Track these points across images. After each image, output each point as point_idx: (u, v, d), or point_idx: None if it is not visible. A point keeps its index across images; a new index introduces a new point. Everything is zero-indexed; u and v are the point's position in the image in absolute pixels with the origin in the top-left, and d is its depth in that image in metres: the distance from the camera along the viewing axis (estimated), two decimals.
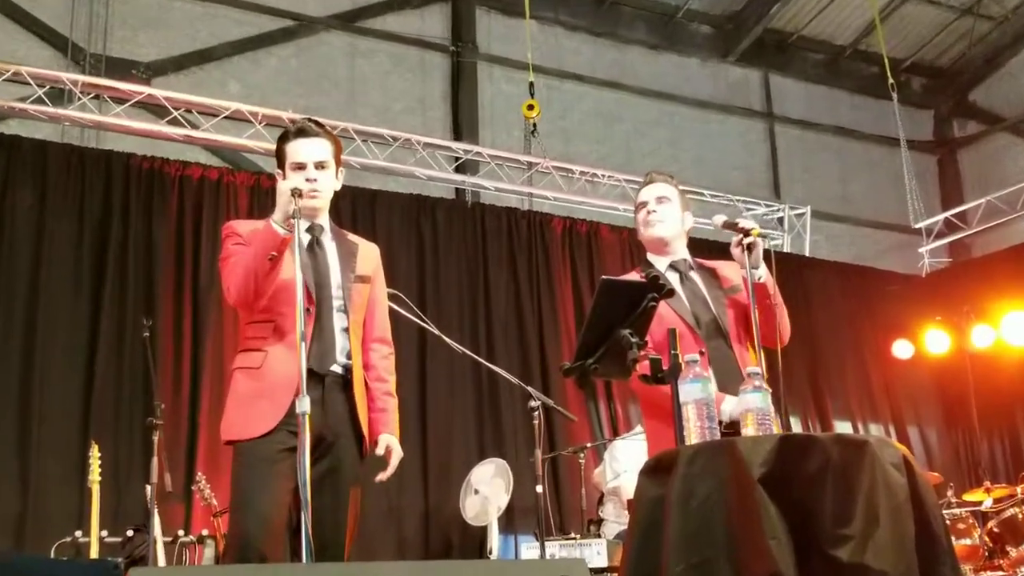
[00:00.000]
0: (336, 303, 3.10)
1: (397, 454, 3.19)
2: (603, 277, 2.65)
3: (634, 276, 3.31)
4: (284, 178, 3.16)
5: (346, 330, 3.11)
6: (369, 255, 3.31)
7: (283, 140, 3.18)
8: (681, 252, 3.44)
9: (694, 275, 3.38)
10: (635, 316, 2.60)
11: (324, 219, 3.24)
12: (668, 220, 3.40)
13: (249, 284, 2.98)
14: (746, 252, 3.12)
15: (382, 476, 3.18)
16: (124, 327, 6.15)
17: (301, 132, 3.17)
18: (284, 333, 3.01)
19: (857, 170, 10.52)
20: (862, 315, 9.26)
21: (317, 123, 3.22)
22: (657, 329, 2.89)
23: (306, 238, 3.17)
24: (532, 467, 4.16)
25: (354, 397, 3.09)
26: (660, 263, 3.40)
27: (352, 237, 3.32)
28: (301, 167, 3.13)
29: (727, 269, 3.43)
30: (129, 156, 6.61)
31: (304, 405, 2.65)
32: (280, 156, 3.18)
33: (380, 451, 3.16)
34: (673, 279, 3.33)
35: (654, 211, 3.39)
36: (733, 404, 2.97)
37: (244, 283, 2.98)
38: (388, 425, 3.21)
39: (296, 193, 2.91)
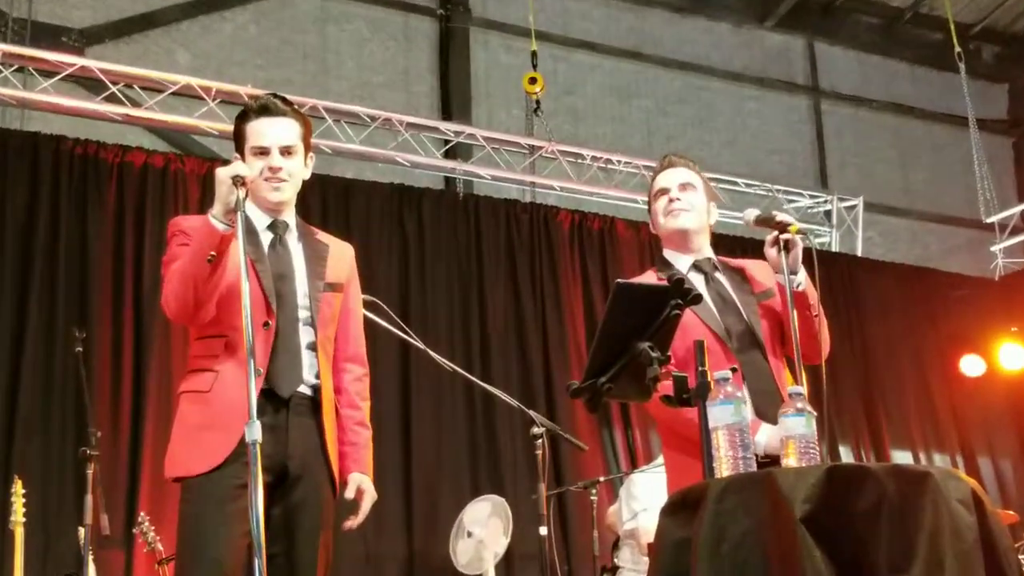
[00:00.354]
0: (302, 314, 3.10)
1: (370, 497, 3.20)
2: (617, 281, 2.65)
3: (650, 278, 3.32)
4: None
5: (314, 346, 3.12)
6: (342, 258, 3.31)
7: (242, 119, 3.18)
8: (706, 250, 3.45)
9: (720, 277, 3.39)
10: (656, 327, 2.60)
11: (290, 214, 3.25)
12: (694, 210, 3.41)
13: (187, 293, 2.95)
14: (783, 253, 3.13)
15: (351, 523, 3.18)
16: (53, 341, 6.14)
17: (264, 110, 3.17)
18: (237, 350, 3.00)
19: (918, 155, 10.53)
20: (924, 325, 9.26)
21: (283, 100, 3.23)
22: (680, 342, 2.89)
23: (267, 237, 3.18)
24: (535, 505, 4.16)
25: (324, 424, 3.09)
26: (681, 262, 3.40)
27: (322, 236, 3.33)
28: (264, 152, 3.13)
29: (757, 270, 3.44)
30: (59, 139, 6.62)
31: (254, 433, 2.61)
32: (238, 138, 3.18)
33: (350, 494, 3.16)
34: (697, 281, 3.32)
35: (678, 199, 3.40)
36: (770, 434, 2.98)
37: (182, 291, 2.95)
38: (360, 462, 3.21)
39: (239, 181, 2.84)
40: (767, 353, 3.25)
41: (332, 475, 3.10)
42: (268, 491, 2.93)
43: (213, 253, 2.91)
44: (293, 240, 3.21)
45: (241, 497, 2.88)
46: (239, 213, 2.81)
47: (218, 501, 2.90)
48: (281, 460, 2.98)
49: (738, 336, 3.24)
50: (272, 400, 2.98)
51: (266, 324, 3.03)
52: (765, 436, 3.00)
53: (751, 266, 3.46)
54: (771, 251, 3.17)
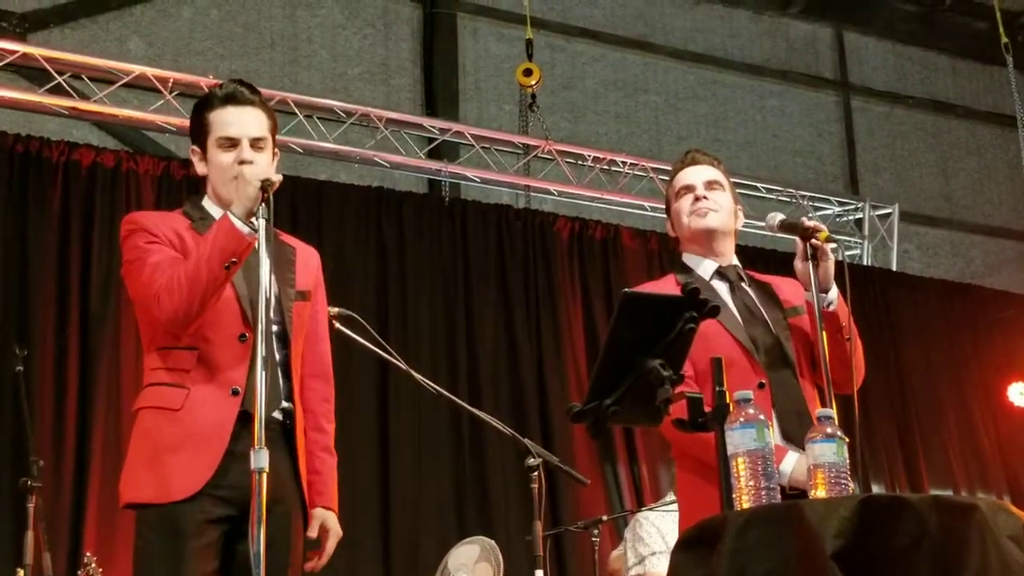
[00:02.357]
0: (274, 327, 3.11)
1: (335, 536, 3.21)
2: (625, 291, 2.66)
3: (669, 283, 3.33)
4: (202, 159, 3.19)
5: (287, 363, 3.13)
6: (309, 263, 3.34)
7: (206, 107, 3.19)
8: (730, 256, 3.49)
9: (746, 287, 3.42)
10: (667, 342, 2.61)
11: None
12: (722, 210, 3.44)
13: (195, 298, 2.96)
14: (811, 262, 3.14)
15: (313, 565, 3.18)
16: None
17: (231, 98, 3.18)
18: (211, 366, 3.02)
19: (960, 158, 10.57)
20: (967, 348, 9.28)
21: (250, 87, 3.24)
22: (703, 353, 2.92)
23: None
24: (529, 547, 4.15)
25: (297, 451, 3.10)
26: (704, 268, 3.43)
27: (287, 239, 3.35)
28: (233, 144, 3.14)
29: (785, 286, 3.48)
30: None
31: (261, 460, 2.66)
32: (200, 129, 3.19)
33: (312, 532, 3.18)
34: (721, 289, 3.37)
35: (704, 197, 3.43)
36: (797, 464, 2.98)
37: (189, 295, 2.95)
38: (325, 495, 3.23)
39: (268, 186, 2.92)
40: (797, 372, 3.26)
41: (305, 509, 3.11)
42: (235, 525, 2.95)
43: (234, 259, 2.95)
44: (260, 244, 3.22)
45: (207, 534, 2.89)
46: (260, 221, 2.88)
47: (185, 536, 2.90)
48: (246, 496, 2.96)
49: (766, 350, 3.26)
50: (247, 425, 2.95)
51: (242, 337, 3.05)
52: (791, 465, 3.00)
53: (779, 282, 3.50)
54: (800, 264, 3.19)
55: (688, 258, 3.48)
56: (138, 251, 3.08)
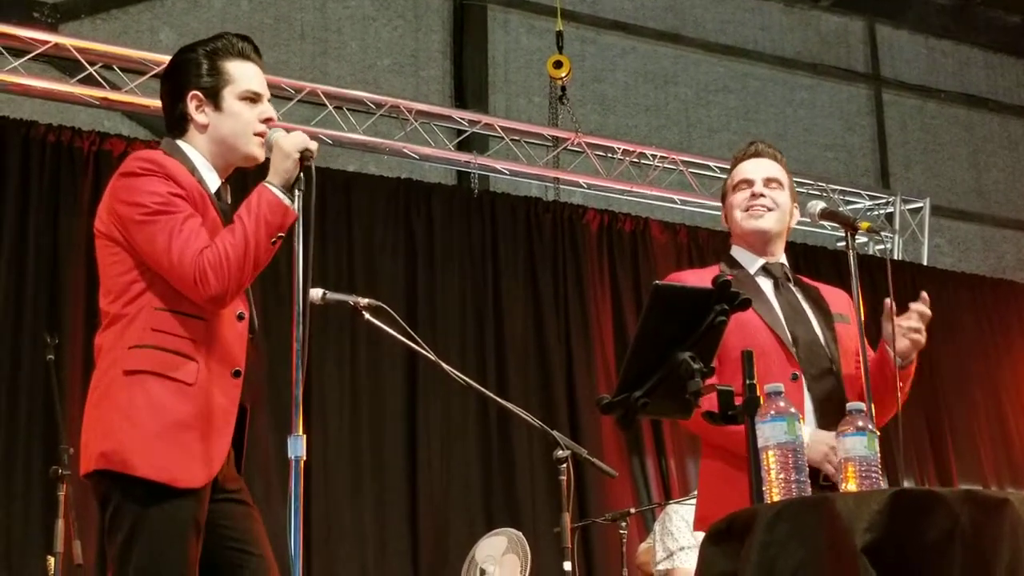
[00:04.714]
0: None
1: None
2: (656, 283, 2.65)
3: (711, 274, 3.32)
4: (207, 107, 2.98)
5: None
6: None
7: (219, 55, 3.03)
8: (779, 255, 3.46)
9: (792, 287, 3.41)
10: (698, 335, 2.60)
11: None
12: (778, 210, 3.40)
13: (244, 279, 2.82)
14: (851, 252, 3.17)
15: None
16: (20, 347, 6.19)
17: (249, 53, 3.06)
18: (217, 342, 2.87)
19: (992, 152, 10.51)
20: (1000, 345, 9.23)
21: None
22: (738, 340, 2.94)
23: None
24: (557, 539, 4.14)
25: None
26: (751, 263, 3.41)
27: None
28: (256, 99, 3.02)
29: (831, 295, 3.46)
30: (29, 125, 6.67)
31: (298, 448, 2.65)
32: (212, 76, 3.00)
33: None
34: (765, 285, 3.36)
35: (762, 195, 3.39)
36: (810, 437, 2.99)
37: (240, 278, 2.80)
38: None
39: (309, 156, 2.83)
40: (838, 371, 3.26)
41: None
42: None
43: (281, 234, 2.84)
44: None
45: (198, 538, 2.78)
46: (298, 192, 2.80)
47: (193, 530, 2.77)
48: (223, 479, 2.89)
49: (805, 345, 3.26)
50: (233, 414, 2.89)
51: (240, 315, 2.95)
52: (805, 436, 2.99)
53: (826, 289, 3.49)
54: (887, 325, 3.19)
55: (737, 251, 3.45)
56: (165, 204, 2.82)
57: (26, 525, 5.87)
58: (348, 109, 7.69)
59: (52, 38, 7.02)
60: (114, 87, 7.12)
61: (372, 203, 7.43)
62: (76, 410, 6.11)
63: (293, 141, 2.87)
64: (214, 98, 2.99)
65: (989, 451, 8.99)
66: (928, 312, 3.23)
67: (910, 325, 3.22)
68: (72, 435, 5.82)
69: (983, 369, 9.10)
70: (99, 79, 7.06)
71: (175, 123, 3.05)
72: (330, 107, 7.59)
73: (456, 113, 8.13)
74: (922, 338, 3.23)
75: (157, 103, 6.95)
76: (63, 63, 7.13)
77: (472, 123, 8.09)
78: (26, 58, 6.93)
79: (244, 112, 2.98)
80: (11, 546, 5.79)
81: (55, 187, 6.60)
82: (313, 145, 2.89)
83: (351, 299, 3.83)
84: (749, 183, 3.40)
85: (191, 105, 3.00)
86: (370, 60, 8.42)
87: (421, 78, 8.54)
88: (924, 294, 3.31)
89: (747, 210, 3.39)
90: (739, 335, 2.81)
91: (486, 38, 8.79)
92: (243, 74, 3.01)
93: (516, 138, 8.20)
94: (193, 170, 2.95)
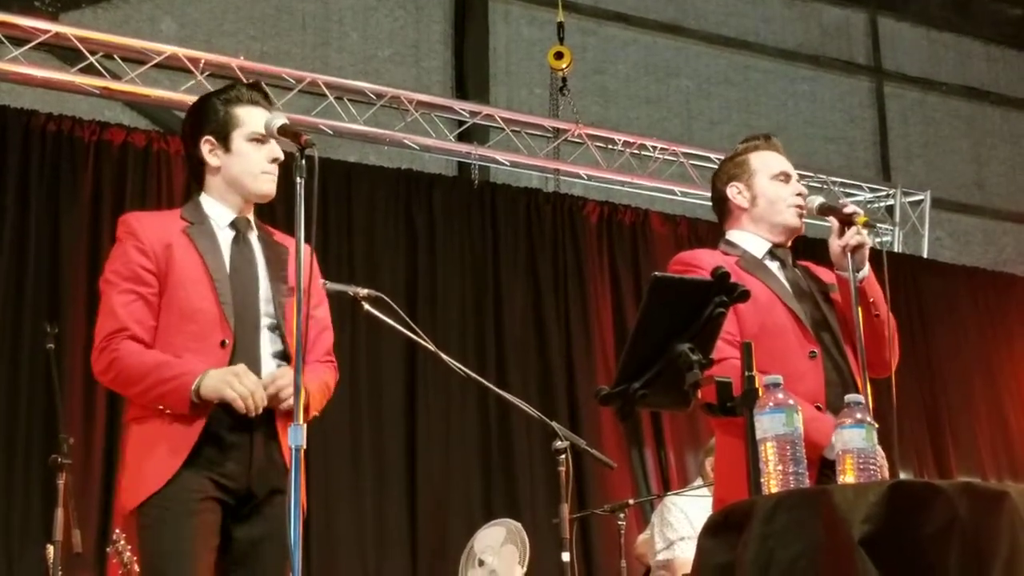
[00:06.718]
0: (266, 321, 3.16)
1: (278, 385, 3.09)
2: (655, 274, 2.66)
3: (714, 257, 3.32)
4: (219, 150, 3.23)
5: (283, 355, 3.15)
6: (303, 261, 3.31)
7: (231, 102, 3.25)
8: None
9: (795, 268, 3.45)
10: (697, 326, 2.60)
11: (250, 210, 3.32)
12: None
13: (127, 392, 3.11)
14: (849, 254, 3.19)
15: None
16: (20, 337, 6.18)
17: (261, 99, 3.29)
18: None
19: (993, 145, 10.50)
20: (999, 337, 9.23)
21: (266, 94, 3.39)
22: (754, 317, 3.03)
23: (228, 235, 3.23)
24: (555, 530, 4.15)
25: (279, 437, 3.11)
26: (758, 247, 3.41)
27: (281, 239, 3.37)
28: (263, 140, 3.21)
29: (818, 270, 3.52)
30: (29, 114, 6.65)
31: (298, 438, 2.70)
32: (224, 121, 3.23)
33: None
34: (772, 266, 3.39)
35: (804, 195, 3.42)
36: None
37: (115, 388, 3.17)
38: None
39: (309, 144, 2.90)
40: (844, 347, 3.30)
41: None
42: (233, 511, 3.02)
43: (169, 412, 3.00)
44: (254, 239, 3.28)
45: (207, 512, 2.94)
46: (299, 181, 2.87)
47: (183, 514, 2.94)
48: (245, 482, 3.03)
49: (816, 323, 3.29)
50: (232, 416, 3.00)
51: (223, 343, 3.08)
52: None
53: (812, 266, 3.53)
54: (835, 242, 3.22)
55: (744, 235, 3.43)
56: (115, 274, 3.14)
57: (26, 513, 5.87)
58: (349, 99, 7.67)
59: (53, 27, 7.01)
60: (115, 76, 7.11)
61: (372, 194, 7.43)
62: (75, 399, 6.16)
63: (240, 391, 2.97)
64: (224, 140, 3.23)
65: (988, 443, 8.99)
66: (857, 209, 3.24)
67: (848, 235, 3.22)
68: (71, 424, 5.85)
69: (982, 361, 9.10)
70: (100, 68, 7.05)
71: (194, 172, 3.34)
72: (331, 97, 7.58)
73: (457, 104, 8.12)
74: (863, 238, 3.22)
75: (158, 93, 7.12)
76: (64, 52, 7.12)
77: (473, 114, 8.08)
78: (27, 47, 6.92)
79: (252, 153, 3.22)
80: (10, 534, 5.79)
81: (55, 176, 6.59)
82: (229, 396, 2.97)
83: (351, 289, 3.85)
84: (790, 178, 3.43)
85: (204, 149, 3.24)
86: (371, 50, 8.41)
87: (422, 69, 8.53)
88: (845, 200, 3.36)
89: (793, 207, 3.40)
90: (756, 312, 2.88)
91: (487, 29, 8.78)
92: (251, 118, 3.23)
93: (517, 129, 8.19)
94: (200, 222, 3.21)
